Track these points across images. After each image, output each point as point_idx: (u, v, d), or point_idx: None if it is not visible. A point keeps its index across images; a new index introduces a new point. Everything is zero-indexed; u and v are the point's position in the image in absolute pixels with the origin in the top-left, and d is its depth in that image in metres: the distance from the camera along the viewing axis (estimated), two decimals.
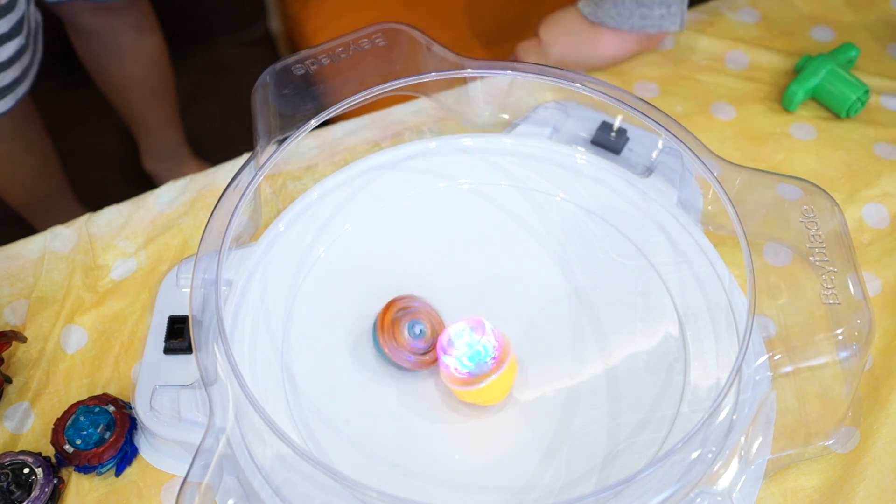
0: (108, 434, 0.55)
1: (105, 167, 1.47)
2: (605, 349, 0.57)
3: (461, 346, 0.52)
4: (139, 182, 1.39)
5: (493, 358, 0.52)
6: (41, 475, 0.53)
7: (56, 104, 1.48)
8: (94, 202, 0.76)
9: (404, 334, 0.54)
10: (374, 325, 0.55)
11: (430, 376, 0.56)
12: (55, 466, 0.54)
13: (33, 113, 1.09)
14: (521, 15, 1.27)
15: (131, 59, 1.16)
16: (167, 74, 1.23)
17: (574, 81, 0.61)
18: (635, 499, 0.49)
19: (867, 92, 0.72)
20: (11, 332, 0.59)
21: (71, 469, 0.56)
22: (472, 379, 0.52)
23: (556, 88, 0.71)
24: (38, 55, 0.96)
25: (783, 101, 0.74)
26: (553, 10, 0.79)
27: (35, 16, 0.95)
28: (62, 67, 1.51)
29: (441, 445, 0.53)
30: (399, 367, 0.56)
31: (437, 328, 0.56)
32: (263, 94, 0.63)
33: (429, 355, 0.55)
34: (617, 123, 0.68)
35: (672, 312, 0.58)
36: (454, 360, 0.52)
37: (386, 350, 0.54)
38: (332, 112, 0.61)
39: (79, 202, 1.25)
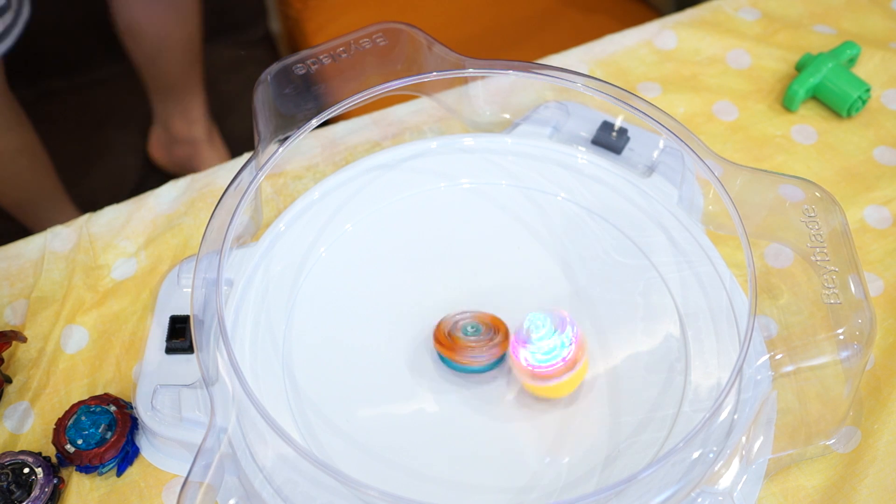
0: (109, 434, 0.55)
1: (108, 169, 1.47)
2: (606, 349, 0.57)
3: (536, 340, 0.51)
4: (142, 185, 1.39)
5: (565, 358, 0.51)
6: (41, 475, 0.53)
7: (62, 106, 1.48)
8: (93, 206, 0.75)
9: (461, 338, 0.54)
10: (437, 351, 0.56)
11: (430, 376, 0.56)
12: (55, 466, 0.54)
13: (17, 108, 1.09)
14: (521, 14, 1.27)
15: (169, 44, 1.19)
16: (199, 48, 1.25)
17: (575, 81, 0.61)
18: (636, 499, 0.49)
19: (868, 90, 0.72)
20: (11, 332, 0.59)
21: (71, 469, 0.56)
22: (541, 374, 0.52)
23: (557, 88, 0.71)
24: (23, 17, 0.97)
25: (784, 100, 0.74)
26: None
27: None
28: (71, 69, 1.52)
29: (443, 445, 0.53)
30: (406, 369, 0.56)
31: (490, 321, 0.55)
32: (264, 94, 0.63)
33: (493, 342, 0.54)
34: (618, 123, 0.68)
35: (673, 312, 0.58)
36: (526, 353, 0.52)
37: (458, 359, 0.54)
38: (332, 112, 0.61)
39: (74, 205, 1.25)
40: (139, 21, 1.19)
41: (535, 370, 0.52)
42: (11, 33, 0.96)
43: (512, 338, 0.53)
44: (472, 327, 0.55)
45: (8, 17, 0.93)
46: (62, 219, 0.68)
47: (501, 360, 0.55)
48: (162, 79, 1.29)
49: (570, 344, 0.51)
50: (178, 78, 1.29)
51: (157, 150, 1.40)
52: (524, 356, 0.52)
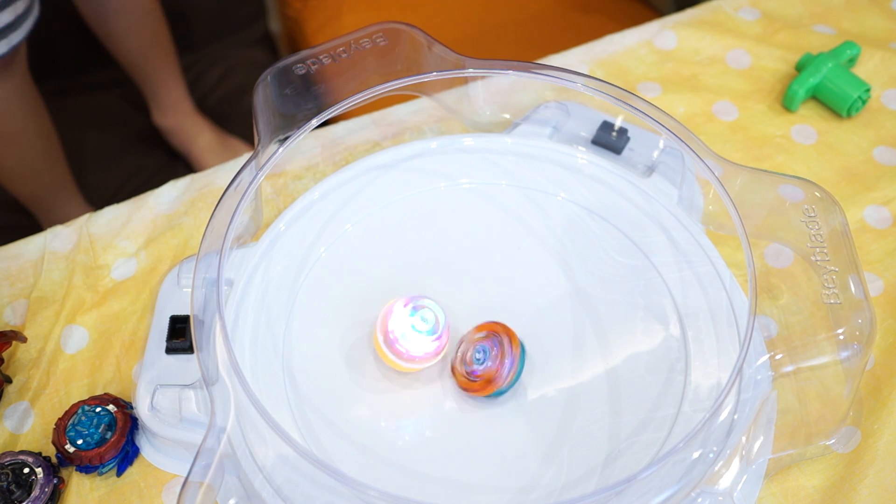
0: (109, 434, 0.55)
1: (112, 167, 1.48)
2: (606, 349, 0.57)
3: (415, 321, 0.53)
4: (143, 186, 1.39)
5: (427, 353, 0.53)
6: (41, 475, 0.53)
7: (70, 104, 1.48)
8: (99, 203, 0.76)
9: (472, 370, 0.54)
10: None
11: (431, 377, 0.56)
12: (55, 466, 0.54)
13: (36, 93, 1.10)
14: (521, 14, 1.27)
15: (125, 8, 1.22)
16: (161, 23, 1.29)
17: (575, 81, 0.61)
18: (636, 499, 0.49)
19: (868, 90, 0.72)
20: (11, 332, 0.59)
21: (71, 469, 0.56)
22: (395, 349, 0.53)
23: (557, 88, 0.71)
24: (35, 9, 0.98)
25: (784, 100, 0.74)
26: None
27: None
28: (78, 69, 1.52)
29: (442, 445, 0.53)
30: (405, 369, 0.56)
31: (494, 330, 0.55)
32: (264, 94, 0.63)
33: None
34: (618, 123, 0.68)
35: (673, 312, 0.58)
36: (400, 323, 0.53)
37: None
38: (332, 112, 0.61)
39: (85, 199, 1.26)
40: (108, 21, 1.25)
41: (396, 350, 0.53)
42: (24, 24, 0.96)
43: (394, 313, 0.54)
44: (480, 352, 0.54)
45: (21, 5, 0.94)
46: (76, 214, 0.69)
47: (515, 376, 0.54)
48: (136, 73, 1.34)
49: (437, 339, 0.53)
50: (147, 71, 1.33)
51: (160, 133, 1.44)
52: (395, 320, 0.53)
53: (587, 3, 1.27)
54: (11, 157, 1.13)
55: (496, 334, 0.54)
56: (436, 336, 0.53)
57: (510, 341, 0.53)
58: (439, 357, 0.55)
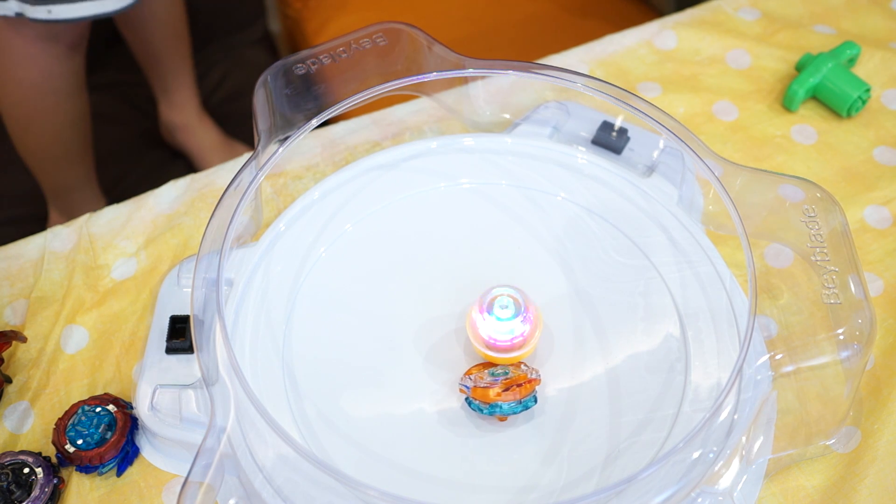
0: (109, 434, 0.55)
1: (109, 167, 1.48)
2: (606, 349, 0.57)
3: (498, 318, 0.53)
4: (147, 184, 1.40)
5: (520, 335, 0.53)
6: (41, 475, 0.53)
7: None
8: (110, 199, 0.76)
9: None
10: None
11: (431, 377, 0.56)
12: (55, 466, 0.54)
13: (83, 83, 1.12)
14: (521, 15, 1.27)
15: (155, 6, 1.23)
16: (184, 23, 1.30)
17: (575, 81, 0.61)
18: (636, 498, 0.49)
19: (868, 90, 0.72)
20: (11, 332, 0.59)
21: (71, 469, 0.56)
22: (496, 347, 0.54)
23: (557, 88, 0.71)
24: None
25: (784, 100, 0.74)
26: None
27: None
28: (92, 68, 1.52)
29: (442, 445, 0.53)
30: (405, 370, 0.56)
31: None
32: (264, 94, 0.63)
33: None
34: (618, 123, 0.68)
35: (673, 312, 0.58)
36: (486, 325, 0.54)
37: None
38: (332, 112, 0.61)
39: (104, 196, 1.27)
40: (138, 13, 1.24)
41: (490, 342, 0.54)
42: None
43: (475, 304, 0.54)
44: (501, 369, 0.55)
45: None
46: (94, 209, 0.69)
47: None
48: (151, 65, 1.34)
49: (528, 323, 0.54)
50: (164, 65, 1.34)
51: (162, 131, 1.45)
52: (483, 328, 0.54)
53: (587, 3, 1.27)
54: (48, 139, 1.14)
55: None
56: (523, 316, 0.53)
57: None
58: (538, 330, 0.55)
